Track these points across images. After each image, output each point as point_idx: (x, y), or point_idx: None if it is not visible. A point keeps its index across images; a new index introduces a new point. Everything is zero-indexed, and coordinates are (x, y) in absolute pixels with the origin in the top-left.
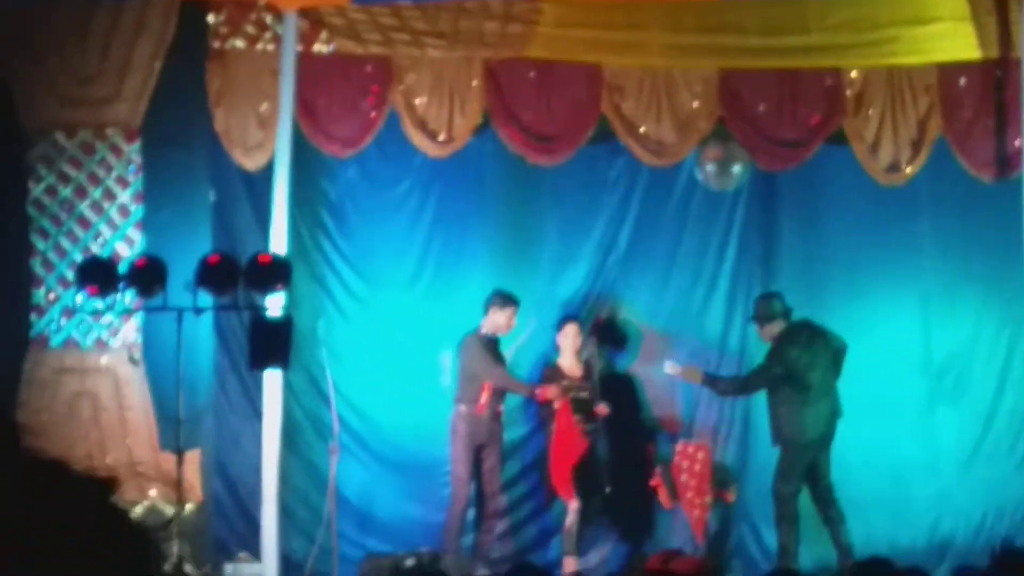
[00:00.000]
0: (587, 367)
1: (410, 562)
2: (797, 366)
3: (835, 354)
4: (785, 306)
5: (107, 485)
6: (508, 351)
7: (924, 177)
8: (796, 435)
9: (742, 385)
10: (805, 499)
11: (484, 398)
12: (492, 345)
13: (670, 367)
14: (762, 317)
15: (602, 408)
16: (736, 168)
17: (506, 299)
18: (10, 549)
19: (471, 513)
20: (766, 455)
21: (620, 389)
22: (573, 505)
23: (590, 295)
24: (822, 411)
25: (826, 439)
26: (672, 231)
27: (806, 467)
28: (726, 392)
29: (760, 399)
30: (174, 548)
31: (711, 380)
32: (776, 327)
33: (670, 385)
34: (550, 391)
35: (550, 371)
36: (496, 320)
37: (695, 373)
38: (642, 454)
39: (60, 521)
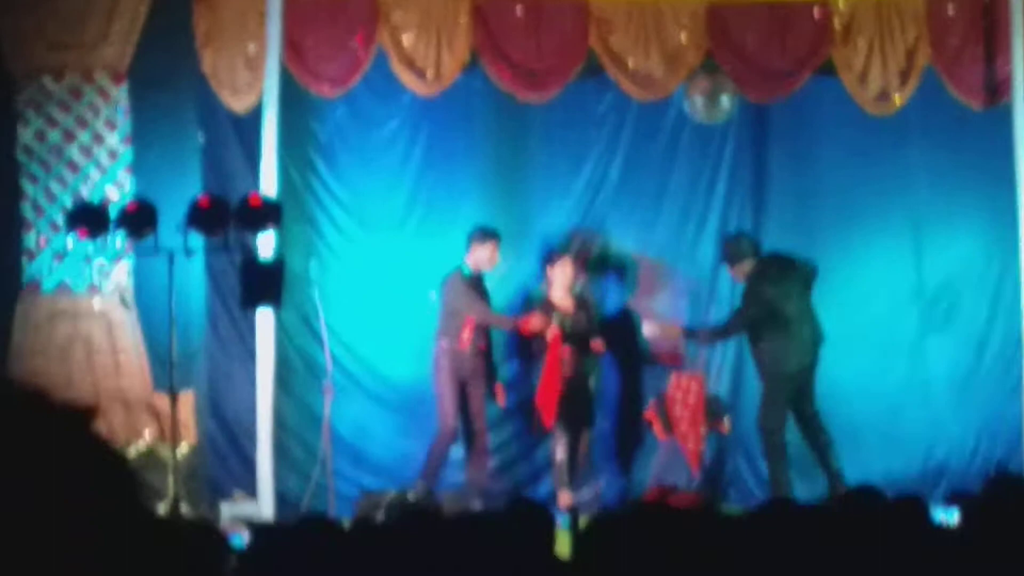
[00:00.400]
0: (581, 301)
1: (409, 497)
2: (773, 302)
3: (806, 279)
4: (753, 244)
5: (87, 414)
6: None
7: (914, 106)
8: (779, 367)
9: (722, 331)
10: (795, 431)
11: (466, 334)
12: (475, 281)
13: (648, 328)
14: (731, 257)
15: (598, 343)
16: (724, 101)
17: (487, 234)
18: None
19: (460, 451)
20: (760, 386)
21: (616, 323)
22: (561, 439)
23: (580, 230)
24: (804, 340)
25: (809, 368)
26: (662, 166)
27: (790, 398)
28: (708, 341)
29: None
30: (169, 488)
31: (691, 333)
32: (747, 266)
33: (671, 317)
34: (533, 321)
35: (541, 306)
36: (479, 256)
37: (674, 330)
38: (637, 387)
39: (38, 450)
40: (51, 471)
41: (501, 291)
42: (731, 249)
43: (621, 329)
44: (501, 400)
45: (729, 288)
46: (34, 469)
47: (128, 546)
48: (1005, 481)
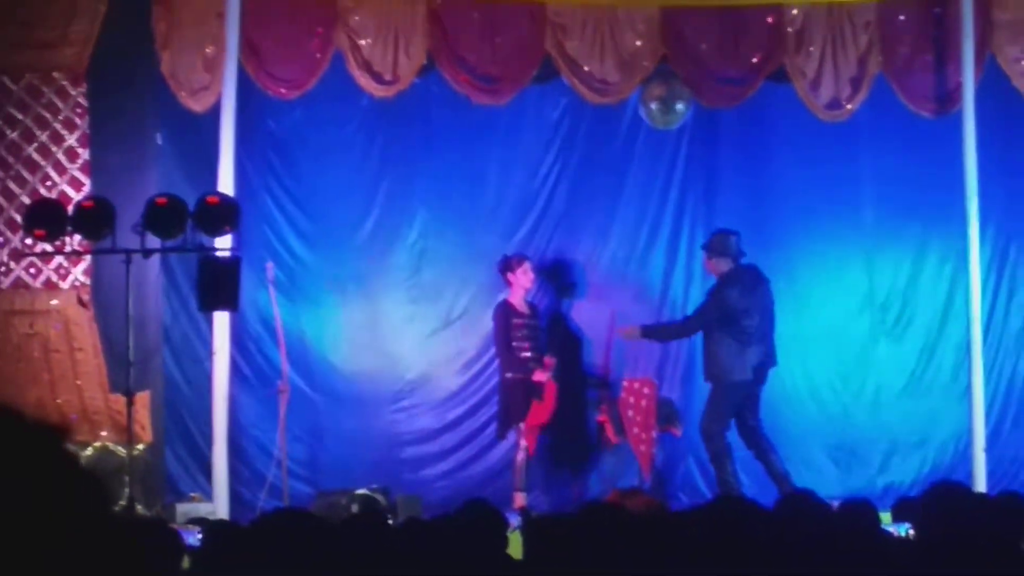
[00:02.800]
0: (532, 307)
1: (358, 499)
2: (734, 309)
3: (773, 305)
4: (739, 248)
5: (60, 432)
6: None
7: (865, 113)
8: (724, 375)
9: (680, 329)
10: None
11: None
12: None
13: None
14: (713, 249)
15: (550, 360)
16: (679, 106)
17: None
18: None
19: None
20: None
21: (566, 331)
22: (523, 442)
23: (535, 235)
24: (752, 357)
25: (754, 384)
26: (616, 170)
27: (734, 407)
28: (667, 339)
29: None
30: (125, 489)
31: (650, 331)
32: (724, 264)
33: (605, 330)
34: (540, 376)
35: (503, 308)
36: None
37: (633, 331)
38: (584, 392)
39: (11, 469)
40: (22, 491)
41: (463, 292)
42: (717, 242)
43: (570, 336)
44: None
45: (681, 291)
46: (6, 489)
47: (85, 550)
48: (945, 490)
